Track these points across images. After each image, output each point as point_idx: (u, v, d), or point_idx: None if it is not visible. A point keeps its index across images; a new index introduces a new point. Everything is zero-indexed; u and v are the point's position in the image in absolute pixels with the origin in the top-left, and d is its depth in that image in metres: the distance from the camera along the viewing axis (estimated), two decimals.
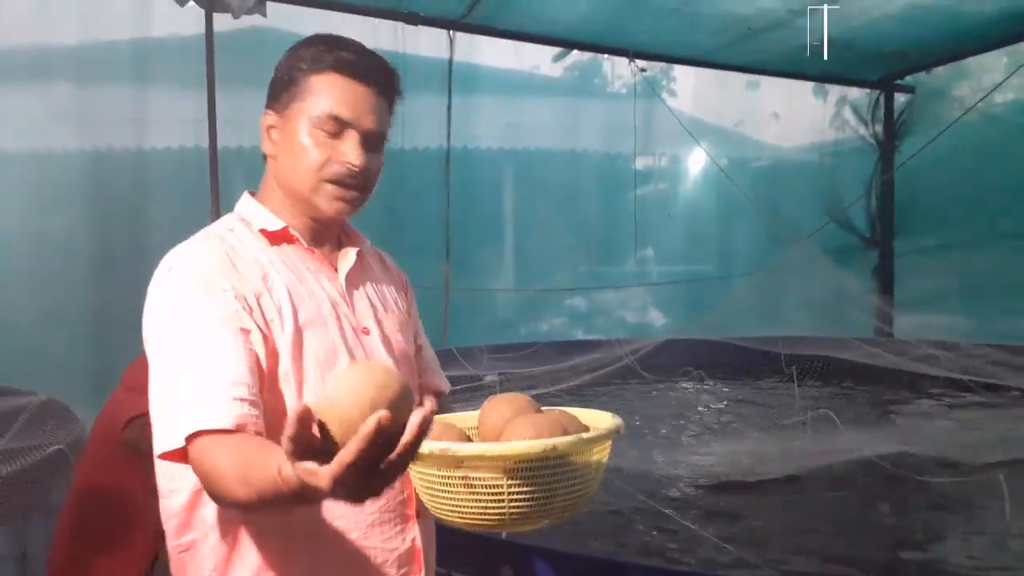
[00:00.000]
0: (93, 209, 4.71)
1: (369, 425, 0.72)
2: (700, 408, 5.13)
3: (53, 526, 2.19)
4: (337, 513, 1.16)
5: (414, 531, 1.24)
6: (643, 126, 6.73)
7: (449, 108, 5.85)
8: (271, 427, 1.09)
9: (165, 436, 1.06)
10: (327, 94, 1.17)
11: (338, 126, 1.17)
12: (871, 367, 5.38)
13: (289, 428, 0.75)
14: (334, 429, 0.77)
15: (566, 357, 5.13)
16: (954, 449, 3.63)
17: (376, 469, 0.76)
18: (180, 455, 1.05)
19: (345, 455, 0.73)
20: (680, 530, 3.00)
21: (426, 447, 0.97)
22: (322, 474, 0.74)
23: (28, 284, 4.42)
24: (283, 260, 1.22)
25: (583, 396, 4.45)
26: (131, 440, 2.08)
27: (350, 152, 1.17)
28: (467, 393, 4.08)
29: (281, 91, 1.21)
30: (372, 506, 1.19)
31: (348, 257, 1.29)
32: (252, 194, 1.29)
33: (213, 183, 4.37)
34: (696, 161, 7.35)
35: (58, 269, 4.50)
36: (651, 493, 3.32)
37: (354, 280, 1.29)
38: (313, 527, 1.15)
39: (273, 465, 0.84)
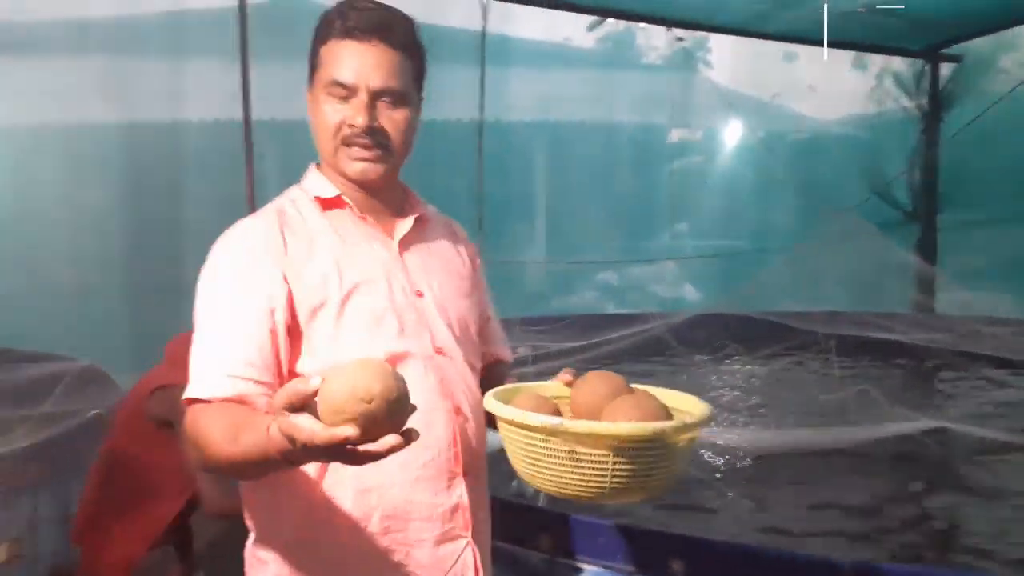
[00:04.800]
0: (128, 181, 4.76)
1: (338, 434, 0.80)
2: (737, 382, 5.06)
3: None
4: (384, 468, 1.15)
5: (461, 487, 1.23)
6: (678, 98, 6.62)
7: (482, 80, 5.79)
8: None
9: (192, 385, 1.13)
10: (332, 61, 1.20)
11: (345, 90, 1.20)
12: (912, 343, 5.26)
13: (289, 384, 0.83)
14: (321, 408, 0.82)
15: (601, 331, 5.08)
16: (998, 427, 3.55)
17: (348, 451, 0.83)
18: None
19: (314, 436, 0.81)
20: (724, 504, 2.98)
21: (538, 420, 1.04)
22: (300, 432, 0.82)
23: (66, 255, 4.48)
24: (334, 227, 1.25)
25: (620, 370, 4.41)
26: (154, 409, 2.10)
27: (355, 113, 1.20)
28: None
29: (310, 68, 1.25)
30: (417, 460, 1.19)
31: (405, 223, 1.31)
32: (318, 166, 1.32)
33: (248, 155, 4.37)
34: (732, 134, 7.23)
35: (95, 240, 4.56)
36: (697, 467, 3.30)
37: (410, 244, 1.31)
38: (359, 481, 1.16)
39: (263, 425, 0.90)
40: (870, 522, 2.90)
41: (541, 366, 4.12)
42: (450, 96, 5.76)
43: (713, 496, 3.09)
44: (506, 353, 1.50)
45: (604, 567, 1.86)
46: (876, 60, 7.27)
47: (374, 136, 1.21)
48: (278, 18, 4.63)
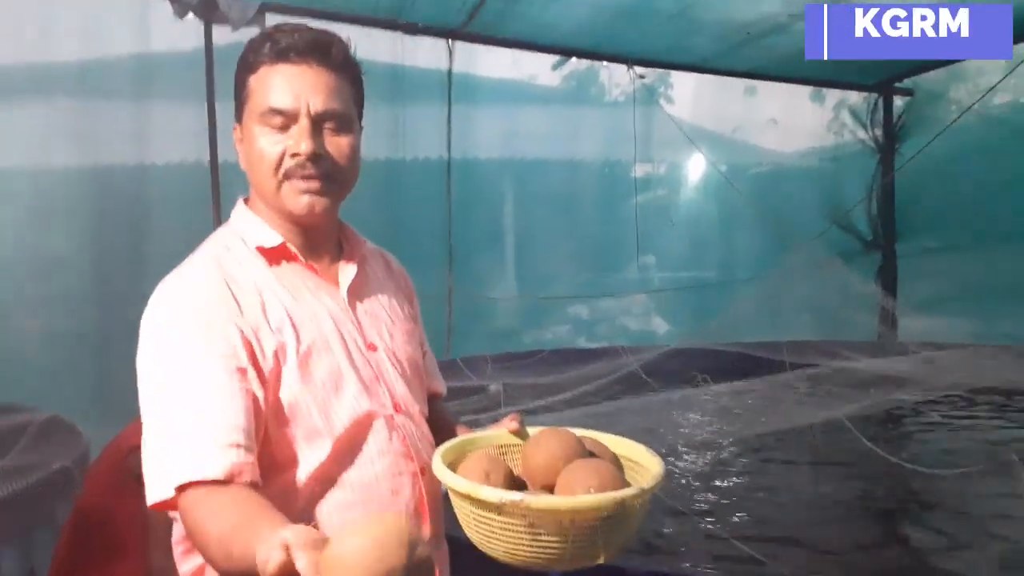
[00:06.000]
0: (94, 225, 4.70)
1: None
2: (707, 413, 5.11)
3: None
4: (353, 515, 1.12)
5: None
6: (642, 134, 6.74)
7: (449, 118, 5.86)
8: (277, 462, 1.07)
9: (156, 485, 1.01)
10: (264, 88, 1.10)
11: (284, 118, 1.10)
12: (876, 370, 5.36)
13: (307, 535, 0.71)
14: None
15: (571, 365, 5.12)
16: (960, 446, 3.63)
17: None
18: (172, 504, 1.00)
19: None
20: (690, 528, 2.99)
21: (496, 496, 0.98)
22: None
23: (29, 301, 4.40)
24: (281, 282, 1.14)
25: (588, 404, 4.43)
26: (136, 468, 2.07)
27: (297, 140, 1.09)
28: (473, 402, 4.07)
29: (237, 101, 1.16)
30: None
31: (348, 270, 1.22)
32: (246, 201, 1.22)
33: (215, 197, 4.37)
34: (695, 168, 7.37)
35: (60, 286, 4.49)
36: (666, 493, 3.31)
37: (357, 293, 1.23)
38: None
39: (259, 552, 0.77)
40: (835, 537, 2.93)
41: (513, 405, 4.14)
42: (418, 135, 5.81)
43: (681, 528, 3.11)
44: (442, 387, 1.45)
45: None
46: (833, 93, 7.48)
47: (320, 165, 1.11)
48: None
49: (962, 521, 3.10)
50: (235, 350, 1.04)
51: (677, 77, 7.08)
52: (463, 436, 1.24)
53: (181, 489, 0.98)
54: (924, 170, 6.73)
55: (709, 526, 3.06)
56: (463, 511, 1.06)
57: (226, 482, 0.96)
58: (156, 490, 1.00)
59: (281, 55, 1.10)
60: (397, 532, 0.70)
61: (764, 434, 4.28)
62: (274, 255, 1.16)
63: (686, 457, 3.95)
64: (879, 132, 7.39)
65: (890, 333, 6.35)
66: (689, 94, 7.22)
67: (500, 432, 1.25)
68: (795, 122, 7.48)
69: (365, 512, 1.09)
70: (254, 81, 1.12)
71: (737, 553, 2.68)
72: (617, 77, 6.96)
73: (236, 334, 1.05)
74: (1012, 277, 6.19)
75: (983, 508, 3.18)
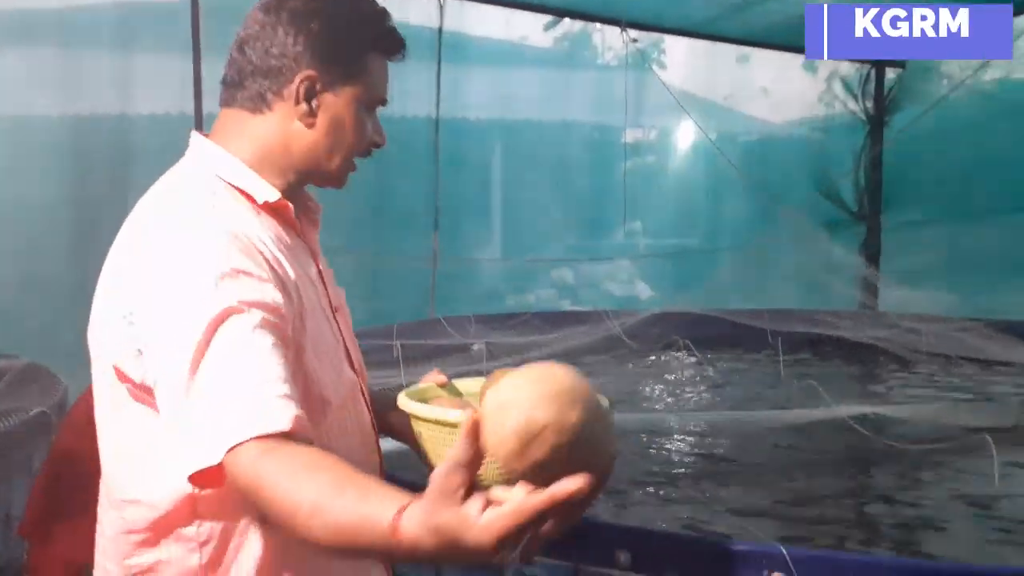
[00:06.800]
0: (76, 175, 4.66)
1: (575, 485, 0.60)
2: (685, 379, 5.16)
3: None
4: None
5: None
6: (633, 98, 6.70)
7: (438, 78, 5.80)
8: None
9: (199, 449, 0.83)
10: (381, 76, 1.11)
11: (377, 108, 1.13)
12: (856, 340, 5.42)
13: (463, 452, 0.64)
14: (492, 452, 0.62)
15: (555, 328, 5.14)
16: (936, 416, 3.68)
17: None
18: (215, 477, 0.84)
19: (526, 506, 0.61)
20: (665, 496, 3.04)
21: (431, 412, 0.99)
22: (484, 526, 0.63)
23: (9, 249, 4.37)
24: (278, 238, 1.04)
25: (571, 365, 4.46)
26: None
27: (380, 132, 1.13)
28: (455, 360, 4.09)
29: (337, 62, 1.06)
30: None
31: (313, 228, 1.16)
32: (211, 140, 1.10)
33: None
34: (685, 134, 7.34)
35: (40, 235, 4.45)
36: (641, 458, 3.36)
37: (318, 252, 1.16)
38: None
39: (381, 514, 0.70)
40: (804, 509, 2.99)
41: (496, 362, 4.16)
42: (406, 94, 5.75)
43: (659, 487, 3.16)
44: None
45: (552, 561, 1.89)
46: (825, 64, 7.45)
47: None
48: (231, 10, 4.56)
49: (936, 495, 3.15)
50: (273, 300, 0.94)
51: (670, 42, 7.03)
52: (417, 387, 1.20)
53: (234, 451, 0.82)
54: (912, 143, 6.76)
55: (679, 491, 3.11)
56: (435, 443, 1.03)
57: (290, 436, 0.83)
58: (199, 455, 0.83)
59: (396, 52, 1.12)
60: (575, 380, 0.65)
61: (739, 401, 4.34)
62: (273, 212, 1.07)
63: (663, 424, 3.99)
64: (870, 104, 7.38)
65: (871, 303, 6.42)
66: (681, 60, 7.17)
67: (431, 385, 1.20)
68: (786, 92, 7.46)
69: None
70: (374, 62, 1.10)
71: (707, 518, 2.74)
72: (610, 40, 6.90)
73: (270, 290, 0.94)
74: (994, 251, 6.25)
75: (956, 482, 3.23)
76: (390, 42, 1.10)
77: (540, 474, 0.61)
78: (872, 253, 7.14)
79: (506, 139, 6.70)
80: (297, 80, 1.04)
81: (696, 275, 6.54)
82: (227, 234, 0.96)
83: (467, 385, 1.21)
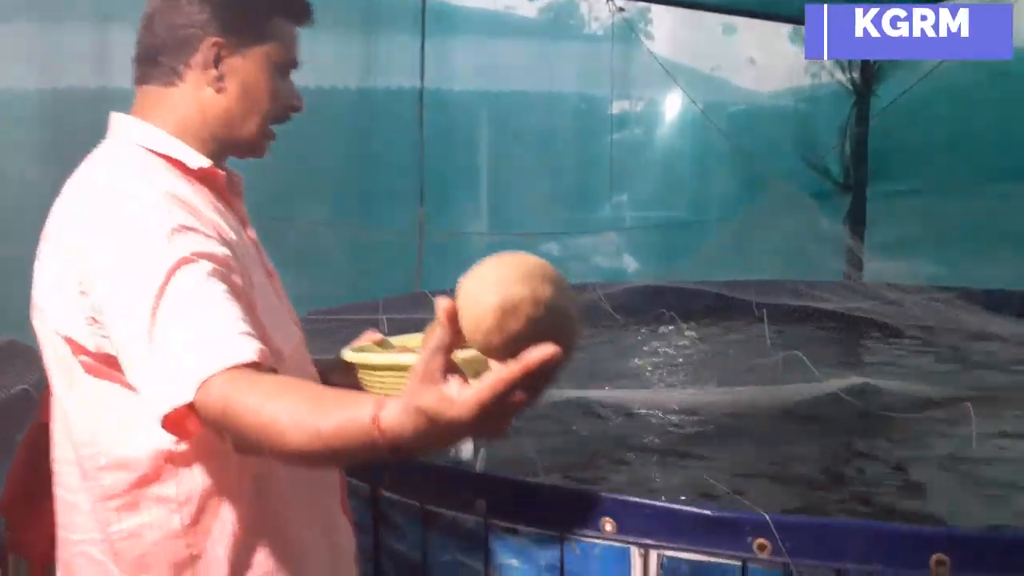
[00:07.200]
0: (53, 150, 4.58)
1: (547, 352, 0.64)
2: (672, 350, 5.18)
3: None
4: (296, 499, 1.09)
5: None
6: (620, 69, 6.65)
7: (423, 48, 5.72)
8: None
9: (167, 390, 0.84)
10: (290, 40, 1.13)
11: (289, 71, 1.15)
12: (841, 311, 5.45)
13: (443, 335, 0.68)
14: (471, 331, 0.67)
15: None
16: (919, 386, 3.72)
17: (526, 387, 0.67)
18: (188, 422, 0.86)
19: (502, 376, 0.65)
20: (658, 463, 3.06)
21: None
22: (463, 401, 0.66)
23: None
24: (212, 204, 1.06)
25: None
26: None
27: (295, 94, 1.15)
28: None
29: (242, 25, 1.09)
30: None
31: (241, 198, 1.18)
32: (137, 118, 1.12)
33: None
34: (672, 105, 7.30)
35: (17, 210, 4.39)
36: (623, 429, 3.38)
37: (247, 220, 1.17)
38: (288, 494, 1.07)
39: (361, 411, 0.73)
40: (792, 475, 3.02)
41: None
42: (390, 64, 5.67)
43: (646, 456, 3.18)
44: None
45: (538, 529, 1.90)
46: None
47: None
48: None
49: (920, 461, 3.19)
50: (218, 251, 0.96)
51: (656, 13, 6.97)
52: (361, 344, 1.22)
53: (204, 385, 0.83)
54: (899, 113, 6.74)
55: (667, 461, 3.13)
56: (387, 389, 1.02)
57: (257, 368, 0.85)
58: (169, 396, 0.84)
59: (303, 16, 1.14)
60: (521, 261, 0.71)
61: (726, 372, 4.34)
62: (202, 178, 1.08)
63: (653, 398, 4.01)
64: (856, 74, 7.35)
65: (856, 274, 6.44)
66: (668, 31, 7.11)
67: (368, 344, 1.23)
68: (773, 62, 7.42)
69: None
70: (281, 26, 1.12)
71: (697, 485, 2.76)
72: (596, 10, 6.83)
73: (217, 246, 0.97)
74: (980, 222, 6.27)
75: (940, 448, 3.27)
76: (295, 5, 1.13)
77: (513, 346, 0.66)
78: (857, 224, 7.15)
79: (492, 110, 6.64)
80: (204, 47, 1.07)
81: (683, 247, 6.54)
82: (168, 195, 0.98)
83: (404, 340, 1.22)
